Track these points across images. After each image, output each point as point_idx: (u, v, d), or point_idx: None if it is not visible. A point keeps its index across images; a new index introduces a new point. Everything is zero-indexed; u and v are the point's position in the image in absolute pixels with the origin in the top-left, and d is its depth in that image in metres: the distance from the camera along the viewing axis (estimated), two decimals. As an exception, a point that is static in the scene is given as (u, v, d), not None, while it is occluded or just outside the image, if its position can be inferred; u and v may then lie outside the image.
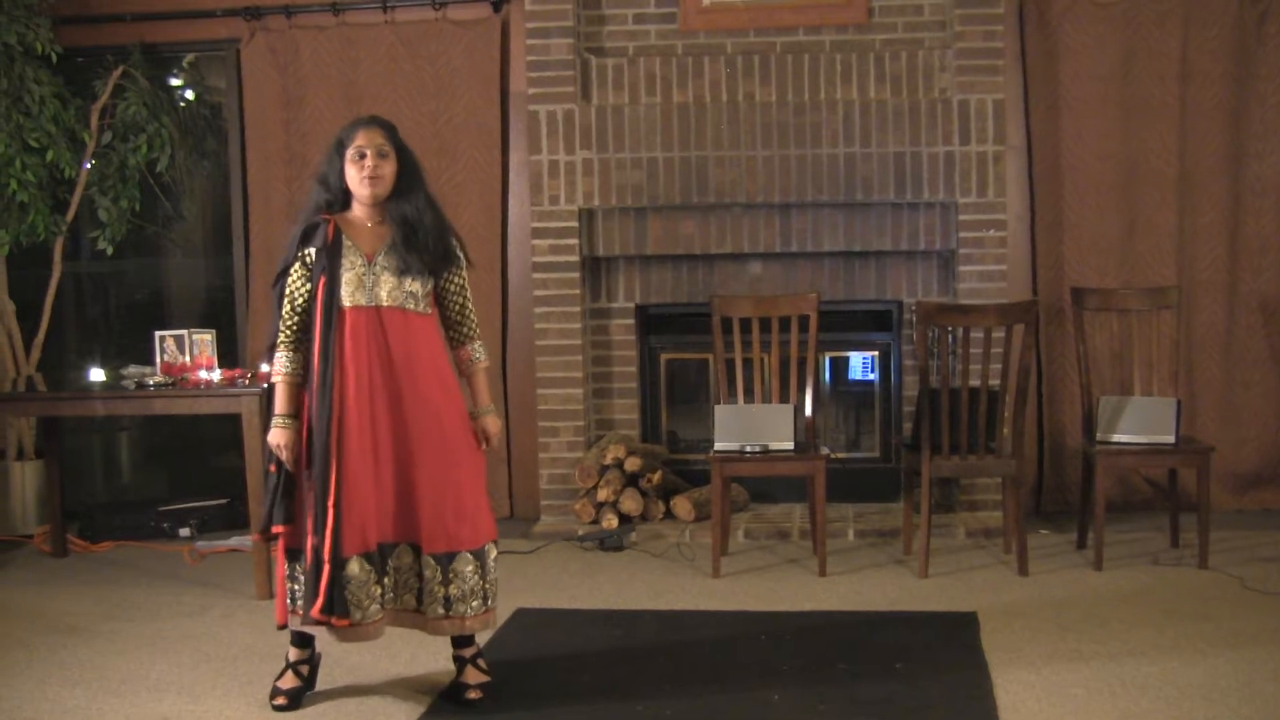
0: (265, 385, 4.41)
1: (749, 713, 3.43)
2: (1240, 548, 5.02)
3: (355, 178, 3.47)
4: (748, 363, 5.22)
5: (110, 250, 6.06)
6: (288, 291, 3.48)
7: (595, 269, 5.85)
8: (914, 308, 4.98)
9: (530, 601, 4.53)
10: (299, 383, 3.47)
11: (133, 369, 4.98)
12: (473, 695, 3.53)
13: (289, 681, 3.59)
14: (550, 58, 5.62)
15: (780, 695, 3.53)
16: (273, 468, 3.48)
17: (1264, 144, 5.59)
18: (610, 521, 5.47)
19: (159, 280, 6.55)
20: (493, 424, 3.61)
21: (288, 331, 3.47)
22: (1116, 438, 4.87)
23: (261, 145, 5.99)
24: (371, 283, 3.45)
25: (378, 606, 3.44)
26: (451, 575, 3.47)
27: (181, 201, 6.32)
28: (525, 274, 5.84)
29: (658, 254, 5.73)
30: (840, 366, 6.08)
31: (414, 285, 3.48)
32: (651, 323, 5.95)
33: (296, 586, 3.48)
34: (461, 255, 3.61)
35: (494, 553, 3.57)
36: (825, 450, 5.01)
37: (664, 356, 6.00)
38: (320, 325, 3.42)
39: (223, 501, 5.87)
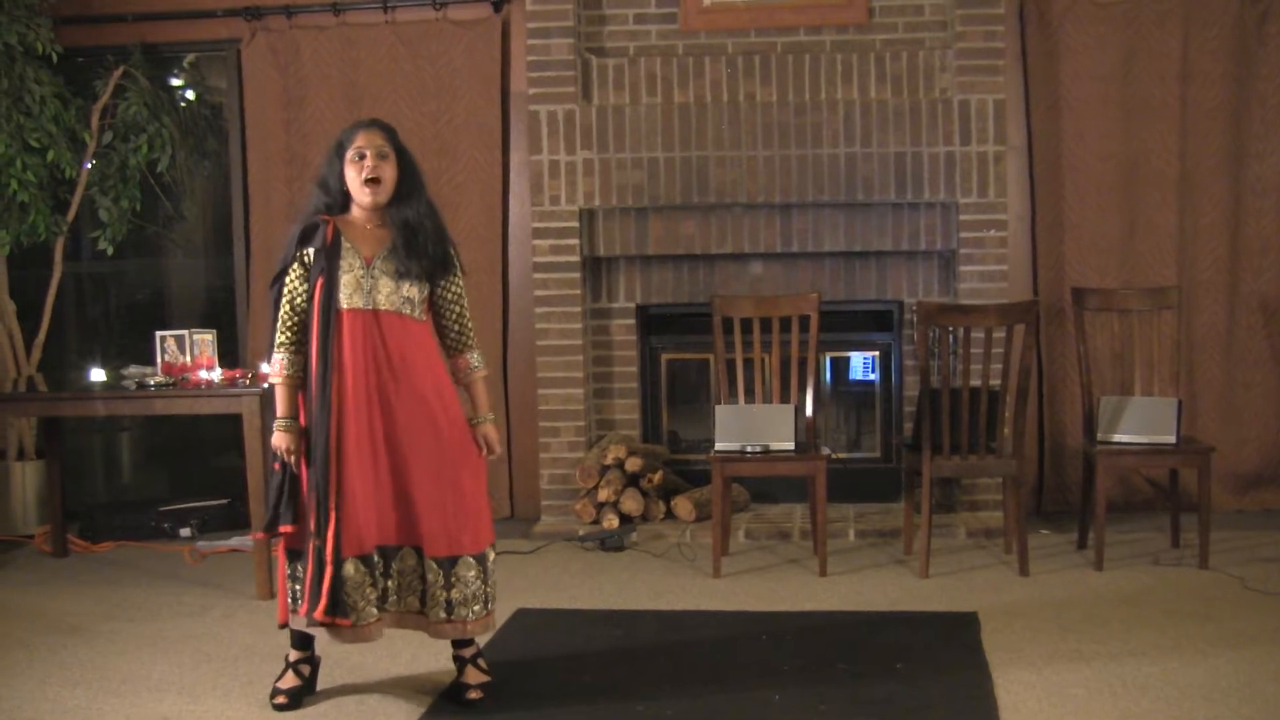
0: (265, 385, 4.41)
1: (749, 713, 3.43)
2: (1241, 548, 5.01)
3: (355, 179, 3.46)
4: (748, 363, 5.22)
5: (111, 250, 6.07)
6: (286, 292, 3.47)
7: (596, 269, 5.85)
8: (915, 308, 4.98)
9: (531, 601, 4.53)
10: (298, 384, 3.46)
11: (133, 369, 4.98)
12: (473, 695, 3.53)
13: (289, 681, 3.59)
14: (551, 58, 5.62)
15: (781, 695, 3.53)
16: (276, 465, 3.48)
17: (1264, 144, 5.59)
18: (611, 522, 5.47)
19: (160, 280, 6.56)
20: (493, 432, 3.61)
21: (287, 333, 3.47)
22: (1117, 438, 4.87)
23: (262, 145, 5.99)
24: (370, 286, 3.44)
25: (373, 609, 3.43)
26: (454, 579, 3.47)
27: (182, 201, 6.32)
28: (526, 274, 5.84)
29: (658, 254, 5.73)
30: (841, 366, 6.08)
31: (411, 290, 3.47)
32: (652, 323, 5.95)
33: (298, 586, 3.48)
34: (458, 263, 3.61)
35: (493, 556, 3.57)
36: (826, 450, 5.01)
37: (665, 356, 6.00)
38: (318, 327, 3.42)
39: (223, 502, 5.87)
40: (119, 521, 5.73)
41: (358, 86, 5.90)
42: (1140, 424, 4.85)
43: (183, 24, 6.08)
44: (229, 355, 5.80)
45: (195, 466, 6.48)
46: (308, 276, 3.46)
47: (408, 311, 3.48)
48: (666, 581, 4.79)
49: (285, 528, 3.45)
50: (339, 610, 3.37)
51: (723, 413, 4.98)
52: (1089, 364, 5.14)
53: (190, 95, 6.21)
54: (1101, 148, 5.63)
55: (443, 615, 3.48)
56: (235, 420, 4.71)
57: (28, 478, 5.90)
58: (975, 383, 5.05)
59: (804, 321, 5.18)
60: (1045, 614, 4.22)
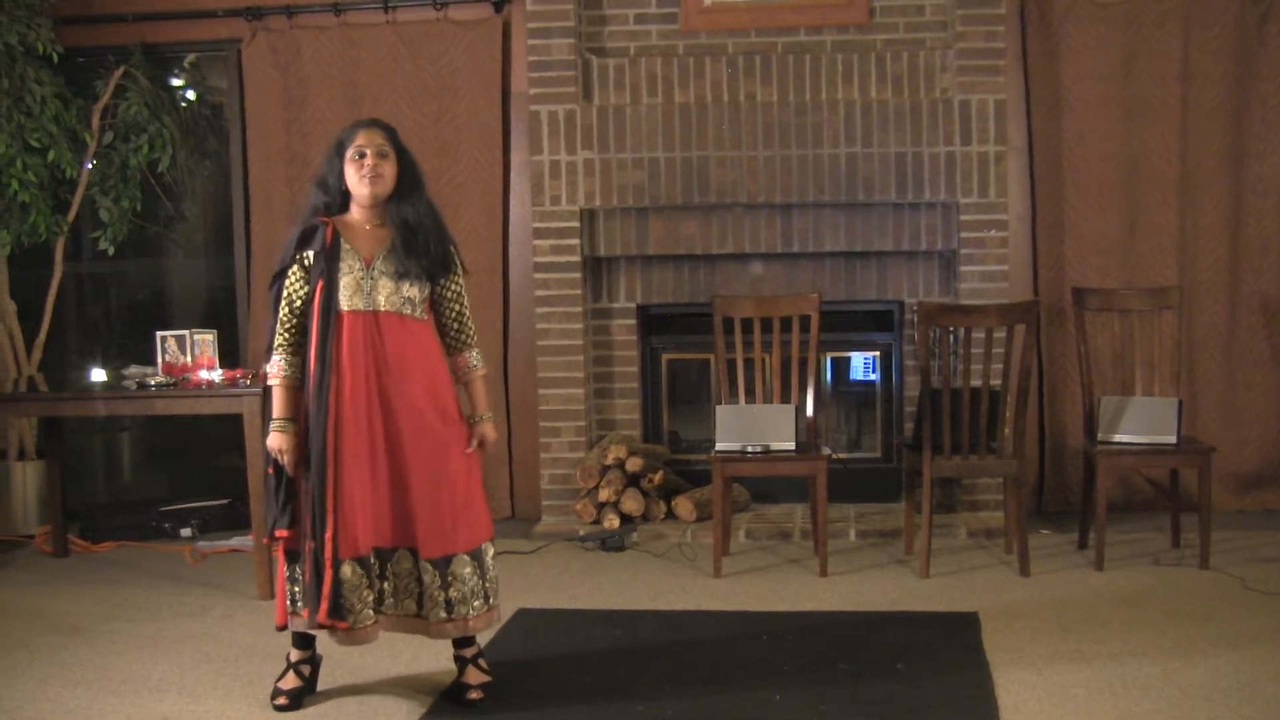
0: (263, 386, 4.41)
1: (750, 713, 3.43)
2: (1242, 548, 5.01)
3: (355, 178, 3.46)
4: (749, 363, 5.22)
5: (111, 250, 6.06)
6: (285, 294, 3.47)
7: (596, 269, 5.85)
8: (915, 308, 4.97)
9: (531, 602, 4.53)
10: (297, 386, 3.46)
11: (134, 369, 4.99)
12: (474, 695, 3.53)
13: (290, 682, 3.59)
14: (551, 58, 5.62)
15: (781, 695, 3.53)
16: (270, 470, 3.48)
17: (1265, 144, 5.59)
18: (611, 522, 5.47)
19: (160, 280, 6.56)
20: (490, 431, 3.60)
21: (286, 334, 3.47)
22: (1118, 438, 4.87)
23: (263, 145, 6.00)
24: (370, 287, 3.44)
25: (370, 611, 3.43)
26: (450, 579, 3.47)
27: (183, 202, 6.32)
28: (526, 274, 5.84)
29: (659, 254, 5.73)
30: (841, 367, 6.08)
31: (411, 290, 3.47)
32: (653, 323, 5.95)
33: (296, 588, 3.48)
34: (458, 262, 3.61)
35: (491, 551, 3.57)
36: (826, 450, 5.01)
37: (665, 357, 6.00)
38: (317, 329, 3.42)
39: (224, 502, 5.87)
40: (119, 521, 5.73)
41: (358, 86, 5.90)
42: (1141, 424, 4.85)
43: (183, 24, 6.08)
44: (230, 355, 5.80)
45: (196, 467, 6.48)
46: (307, 279, 3.45)
47: (408, 312, 3.48)
48: (667, 581, 4.79)
49: (281, 531, 3.46)
50: (339, 613, 3.37)
51: (723, 413, 4.98)
52: (1089, 364, 5.14)
53: (191, 95, 6.22)
54: (1102, 148, 5.63)
55: (443, 615, 3.47)
56: (236, 420, 4.71)
57: (28, 478, 5.91)
58: (976, 383, 5.05)
59: (804, 321, 5.18)
60: (1046, 614, 4.22)
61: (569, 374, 5.72)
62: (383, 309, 3.44)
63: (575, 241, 5.66)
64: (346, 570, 3.38)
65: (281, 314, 3.47)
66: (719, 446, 4.90)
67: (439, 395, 3.50)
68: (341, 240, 3.45)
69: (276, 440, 3.44)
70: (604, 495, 5.49)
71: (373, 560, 3.44)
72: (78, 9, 6.05)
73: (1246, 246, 5.63)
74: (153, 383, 4.82)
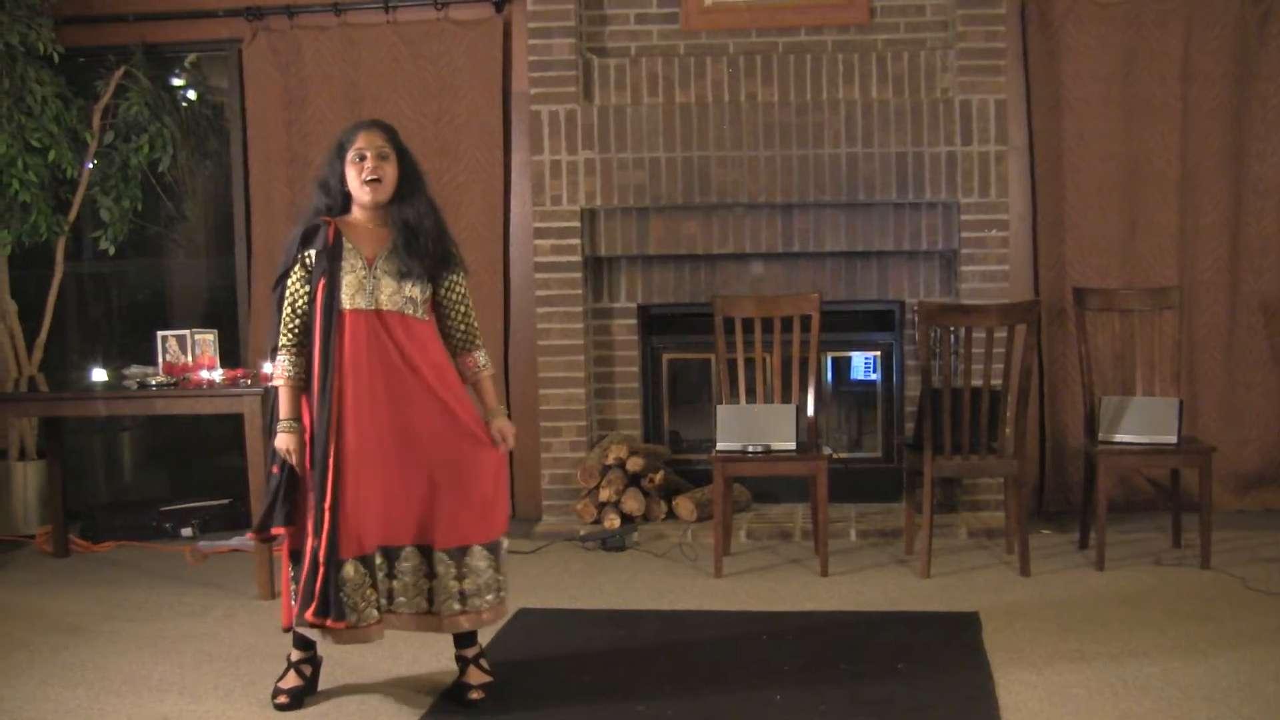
0: (266, 386, 4.42)
1: (750, 713, 3.43)
2: (1242, 548, 5.01)
3: (355, 180, 3.46)
4: (750, 363, 5.22)
5: (112, 250, 6.07)
6: (288, 294, 3.48)
7: (597, 269, 5.85)
8: (916, 308, 4.98)
9: (532, 601, 4.53)
10: (301, 386, 3.47)
11: (135, 369, 4.98)
12: (475, 695, 3.53)
13: (291, 681, 3.59)
14: (552, 58, 5.62)
15: (781, 695, 3.53)
16: (275, 469, 3.48)
17: (1265, 144, 5.59)
18: (612, 521, 5.47)
19: (161, 280, 6.56)
20: (507, 425, 3.60)
21: (289, 335, 3.47)
22: (1118, 438, 4.87)
23: (263, 145, 6.00)
24: (372, 286, 3.44)
25: (374, 610, 3.43)
26: (466, 570, 3.48)
27: (183, 201, 6.32)
28: (527, 274, 5.84)
29: (660, 254, 5.73)
30: (842, 366, 6.08)
31: (413, 290, 3.47)
32: (653, 323, 5.95)
33: (298, 589, 3.48)
34: (460, 262, 3.61)
35: (505, 544, 3.59)
36: (827, 450, 5.01)
37: (666, 356, 6.00)
38: (320, 329, 3.42)
39: (224, 502, 5.87)
40: (120, 521, 5.73)
41: (359, 86, 5.90)
42: (1141, 424, 4.85)
43: (184, 24, 6.08)
44: (230, 355, 5.80)
45: (196, 466, 6.48)
46: (309, 278, 3.46)
47: (410, 311, 3.48)
48: (668, 581, 4.79)
49: (278, 530, 3.46)
50: (331, 611, 3.36)
51: (724, 413, 4.98)
52: (1090, 364, 5.14)
53: (191, 95, 6.22)
54: (1102, 148, 5.63)
55: (456, 607, 3.47)
56: (236, 420, 4.72)
57: (29, 478, 5.91)
58: (976, 383, 5.05)
59: (805, 321, 5.18)
60: (1046, 614, 4.22)
61: (570, 374, 5.72)
62: (385, 308, 3.45)
63: (576, 241, 5.66)
64: (349, 569, 3.38)
65: (284, 314, 3.47)
66: (720, 446, 4.90)
67: (454, 388, 3.51)
68: (344, 239, 3.46)
69: (285, 440, 3.44)
70: (605, 495, 5.49)
71: (378, 559, 3.43)
72: (78, 9, 6.05)
73: (1247, 246, 5.64)
74: (153, 383, 4.82)
